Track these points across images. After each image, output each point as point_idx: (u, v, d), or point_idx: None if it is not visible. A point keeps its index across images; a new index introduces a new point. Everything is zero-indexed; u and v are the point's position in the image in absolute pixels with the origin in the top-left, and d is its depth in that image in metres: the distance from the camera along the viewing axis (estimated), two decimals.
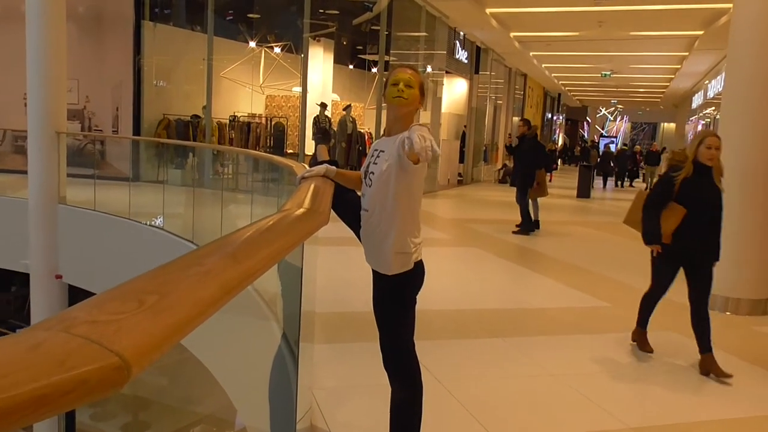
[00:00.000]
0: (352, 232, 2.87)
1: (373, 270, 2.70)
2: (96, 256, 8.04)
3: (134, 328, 0.59)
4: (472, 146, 19.27)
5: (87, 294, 7.74)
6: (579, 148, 35.62)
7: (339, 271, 6.48)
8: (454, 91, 19.72)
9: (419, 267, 2.64)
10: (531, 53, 20.27)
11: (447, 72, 17.00)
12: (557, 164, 28.06)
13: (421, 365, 2.70)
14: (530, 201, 9.90)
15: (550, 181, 21.13)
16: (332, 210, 2.56)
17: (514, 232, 9.58)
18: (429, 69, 15.65)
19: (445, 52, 16.02)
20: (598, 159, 23.66)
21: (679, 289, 6.57)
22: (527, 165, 9.43)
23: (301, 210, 1.67)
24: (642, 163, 23.82)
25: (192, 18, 15.04)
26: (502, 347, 4.42)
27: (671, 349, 4.63)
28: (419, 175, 2.51)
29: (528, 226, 9.51)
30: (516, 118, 24.90)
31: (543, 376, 3.92)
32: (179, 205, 8.80)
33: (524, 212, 9.51)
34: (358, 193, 2.81)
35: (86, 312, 0.63)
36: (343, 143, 13.81)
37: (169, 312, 0.68)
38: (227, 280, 0.92)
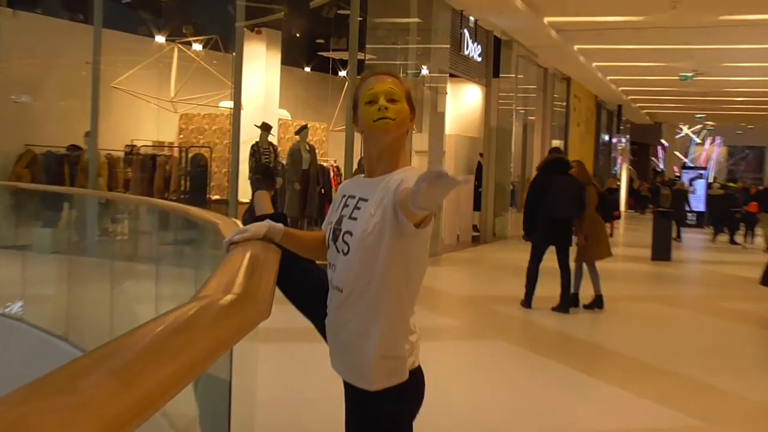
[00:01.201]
0: (308, 320, 2.86)
1: (345, 381, 2.68)
2: None
3: None
4: (493, 185, 19.49)
5: None
6: (647, 186, 36.00)
7: (291, 382, 6.42)
8: (464, 104, 20.03)
9: (416, 377, 2.63)
10: (575, 47, 20.73)
11: (452, 75, 17.30)
12: (619, 210, 28.18)
13: None
14: (584, 266, 10.00)
15: (611, 235, 21.31)
16: (278, 288, 2.56)
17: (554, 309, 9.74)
18: (425, 71, 15.95)
19: (448, 47, 16.35)
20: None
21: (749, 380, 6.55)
22: (553, 209, 9.62)
23: (230, 296, 1.66)
24: (747, 208, 23.59)
25: (70, 3, 15.28)
26: None
27: None
28: (423, 237, 2.54)
29: (566, 302, 9.71)
30: (557, 142, 25.26)
31: None
32: (48, 283, 8.72)
33: (530, 282, 9.78)
34: (318, 261, 2.82)
35: None
36: (296, 184, 13.90)
37: None
38: (113, 416, 0.92)
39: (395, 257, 2.51)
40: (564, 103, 26.45)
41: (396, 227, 2.48)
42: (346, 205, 2.68)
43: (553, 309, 9.75)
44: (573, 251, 9.89)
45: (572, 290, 10.04)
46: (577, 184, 9.93)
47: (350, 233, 2.59)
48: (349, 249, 2.58)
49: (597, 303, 10.04)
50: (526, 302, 9.93)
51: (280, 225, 2.71)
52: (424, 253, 2.60)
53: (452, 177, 1.94)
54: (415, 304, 2.67)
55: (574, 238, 9.86)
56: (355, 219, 2.60)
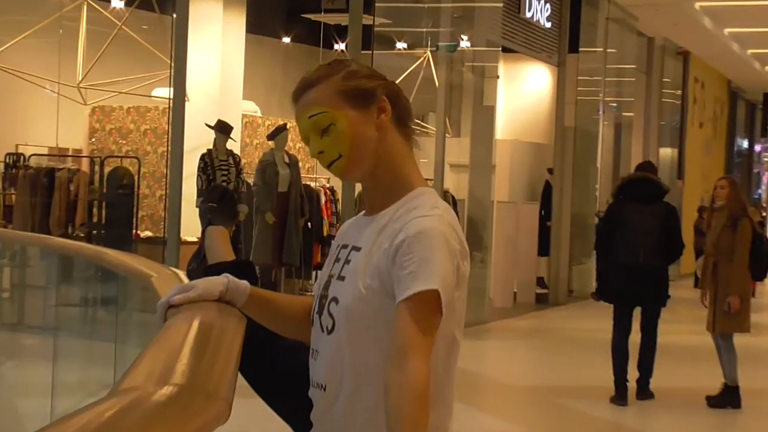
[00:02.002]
0: (287, 425, 2.87)
1: None
2: None
3: None
4: (568, 217, 19.46)
5: None
6: None
7: None
8: (524, 93, 20.07)
9: None
10: (697, 4, 20.74)
11: (506, 50, 17.37)
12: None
13: None
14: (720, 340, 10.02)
15: (753, 295, 21.21)
16: (241, 375, 2.58)
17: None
18: (464, 44, 16.01)
19: (501, 5, 16.42)
20: None
21: None
22: (624, 252, 9.77)
23: (168, 389, 1.66)
24: None
25: None
26: None
27: None
28: (451, 308, 2.53)
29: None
30: (667, 151, 25.20)
31: None
32: None
33: (615, 364, 9.84)
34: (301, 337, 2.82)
35: None
36: (268, 215, 13.91)
37: None
38: None
39: None
40: (679, 92, 26.42)
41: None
42: (337, 260, 2.71)
43: (640, 397, 9.81)
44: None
45: (725, 380, 10.02)
46: (666, 216, 9.95)
47: (336, 301, 2.61)
48: (334, 325, 2.60)
49: (730, 398, 10.00)
50: (618, 396, 9.90)
51: (245, 282, 2.72)
52: (454, 326, 2.60)
53: None
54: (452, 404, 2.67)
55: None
56: (343, 279, 2.63)
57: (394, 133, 2.67)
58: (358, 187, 13.45)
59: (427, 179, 3.55)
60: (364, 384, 2.55)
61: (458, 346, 2.64)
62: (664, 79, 24.95)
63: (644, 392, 9.90)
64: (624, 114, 23.02)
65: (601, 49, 20.30)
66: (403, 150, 2.69)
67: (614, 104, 22.16)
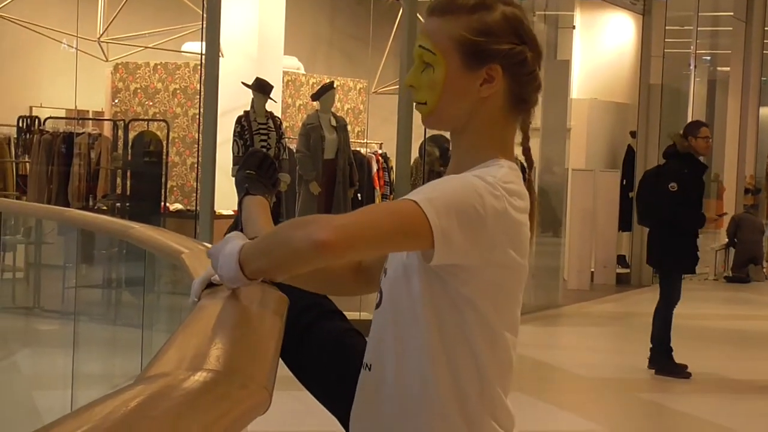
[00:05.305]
0: (335, 418, 2.90)
1: None
2: None
3: None
4: None
5: None
6: None
7: None
8: (604, 45, 19.94)
9: None
10: None
11: None
12: None
13: None
14: None
15: None
16: (282, 361, 2.61)
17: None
18: None
19: None
20: None
21: None
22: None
23: (201, 375, 1.69)
24: None
25: None
26: None
27: None
28: (491, 275, 2.53)
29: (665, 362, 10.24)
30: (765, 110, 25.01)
31: None
32: None
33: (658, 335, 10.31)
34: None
35: None
36: (313, 184, 13.90)
37: None
38: None
39: (435, 313, 2.52)
40: None
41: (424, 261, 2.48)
42: None
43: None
44: None
45: None
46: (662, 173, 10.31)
47: (385, 272, 2.66)
48: (381, 299, 2.64)
49: None
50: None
51: None
52: (501, 303, 2.56)
53: None
54: (508, 394, 2.64)
55: None
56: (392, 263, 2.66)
57: (498, 106, 2.61)
58: (414, 153, 13.48)
59: None
60: (409, 371, 2.53)
61: (505, 341, 2.58)
62: (766, 28, 24.65)
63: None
64: (719, 69, 22.84)
65: None
66: (501, 125, 2.62)
67: (707, 57, 21.99)
